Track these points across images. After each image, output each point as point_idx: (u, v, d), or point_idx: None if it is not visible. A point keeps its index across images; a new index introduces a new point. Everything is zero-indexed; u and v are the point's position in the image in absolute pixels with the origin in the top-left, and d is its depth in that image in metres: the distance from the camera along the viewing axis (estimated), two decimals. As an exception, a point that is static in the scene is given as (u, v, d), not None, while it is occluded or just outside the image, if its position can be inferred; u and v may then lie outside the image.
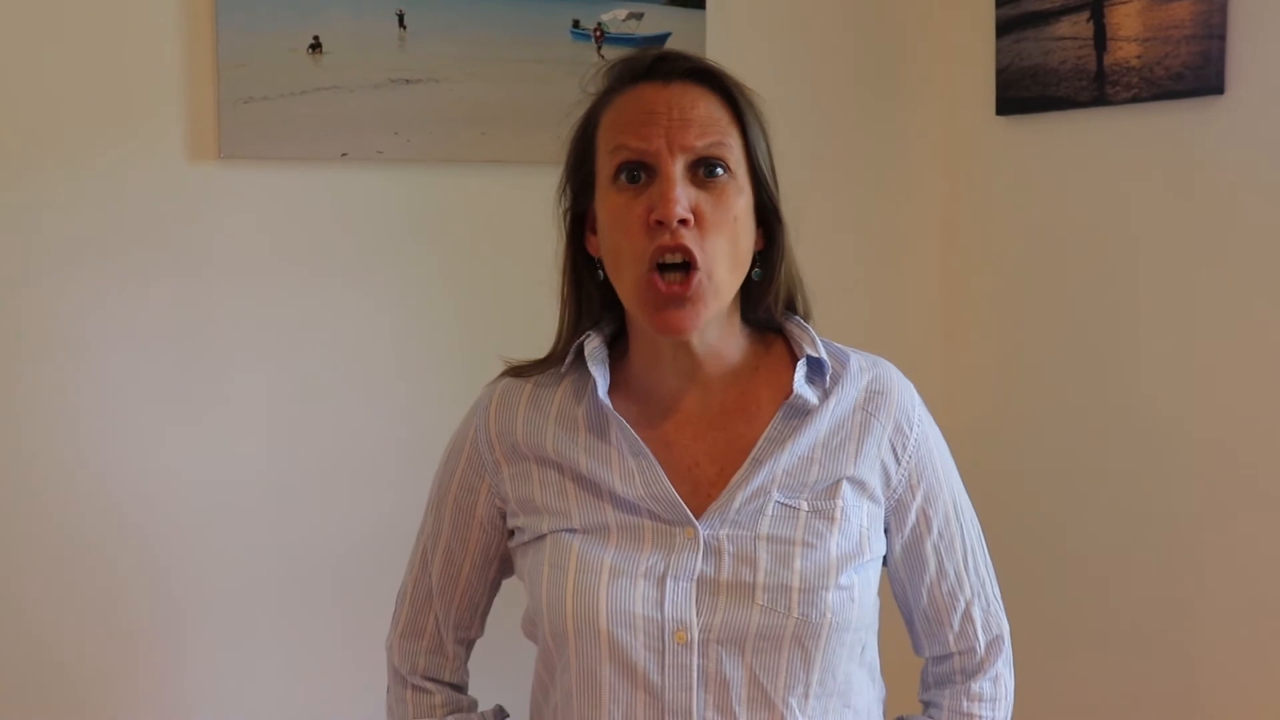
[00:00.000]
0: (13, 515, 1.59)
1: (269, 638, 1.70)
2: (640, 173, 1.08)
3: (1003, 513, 1.96)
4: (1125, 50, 1.70)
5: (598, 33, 1.79)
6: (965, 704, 1.22)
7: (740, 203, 1.10)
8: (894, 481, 1.16)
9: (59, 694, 1.61)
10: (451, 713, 1.24)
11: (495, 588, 1.25)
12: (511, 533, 1.19)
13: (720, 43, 1.85)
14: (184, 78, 1.61)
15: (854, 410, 1.16)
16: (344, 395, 1.72)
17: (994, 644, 1.23)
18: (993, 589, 1.24)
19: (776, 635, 1.08)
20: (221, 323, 1.66)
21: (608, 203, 1.11)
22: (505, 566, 1.23)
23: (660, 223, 1.06)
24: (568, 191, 1.16)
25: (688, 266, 1.07)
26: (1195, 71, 1.61)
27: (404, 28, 1.69)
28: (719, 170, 1.09)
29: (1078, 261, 1.82)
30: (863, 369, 1.18)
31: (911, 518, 1.18)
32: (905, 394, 1.19)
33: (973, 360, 2.01)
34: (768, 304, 1.15)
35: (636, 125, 1.08)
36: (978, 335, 2.00)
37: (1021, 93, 1.86)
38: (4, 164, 1.55)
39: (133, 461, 1.63)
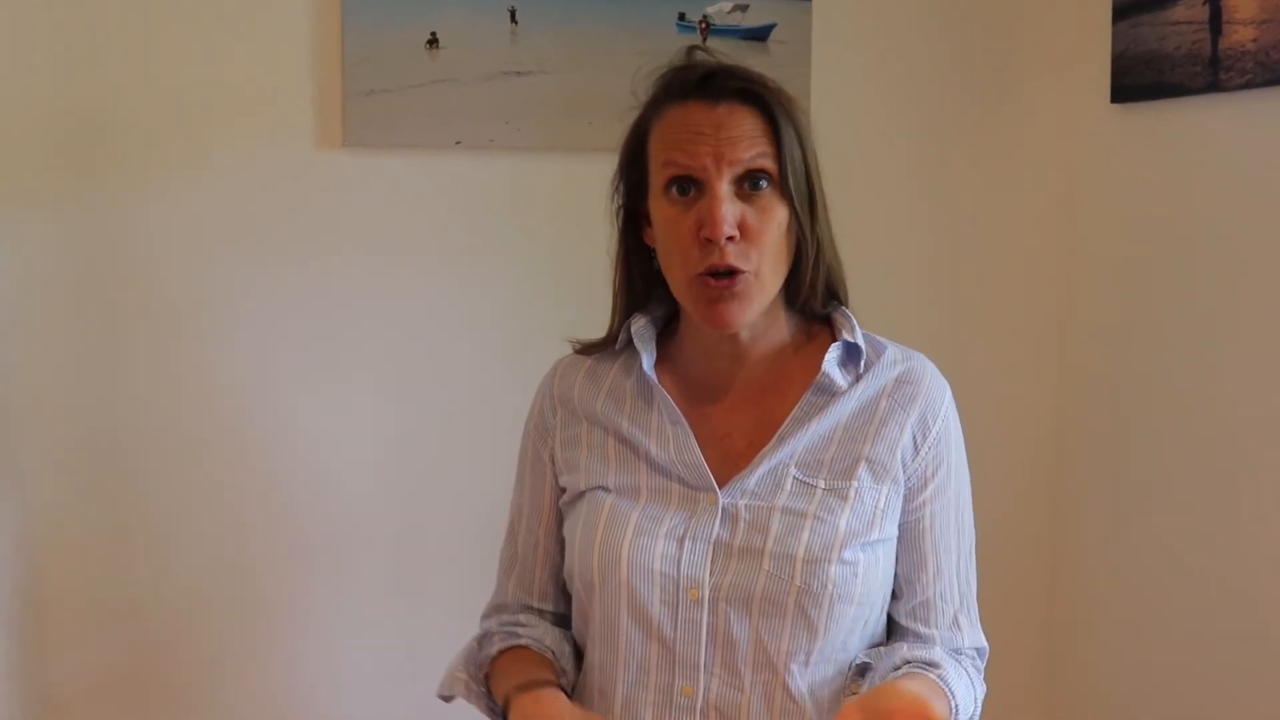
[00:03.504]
0: (167, 467, 1.76)
1: (381, 588, 1.83)
2: (690, 186, 1.16)
3: (1120, 511, 1.92)
4: (1240, 34, 1.65)
5: (703, 25, 1.84)
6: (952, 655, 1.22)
7: (783, 211, 1.17)
8: (909, 470, 1.19)
9: (200, 621, 1.78)
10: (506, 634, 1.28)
11: None
12: (562, 490, 1.27)
13: (826, 32, 1.88)
14: (313, 72, 1.75)
15: (880, 397, 1.20)
16: (456, 368, 1.84)
17: (979, 654, 1.24)
18: (974, 605, 1.25)
19: (780, 600, 1.13)
20: (344, 299, 1.79)
21: (660, 211, 1.18)
22: None
23: (709, 240, 1.13)
24: (621, 190, 1.25)
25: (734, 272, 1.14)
26: (1312, 55, 1.56)
27: (515, 23, 1.78)
28: (763, 183, 1.15)
29: (1195, 252, 1.77)
30: (897, 361, 1.22)
31: (914, 509, 1.20)
32: (936, 389, 1.22)
33: (1088, 353, 1.97)
34: (805, 293, 1.20)
35: (685, 143, 1.16)
36: (1095, 327, 1.96)
37: (1137, 80, 1.82)
38: (153, 154, 1.72)
39: (266, 424, 1.79)
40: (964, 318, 1.98)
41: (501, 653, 1.26)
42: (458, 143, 1.79)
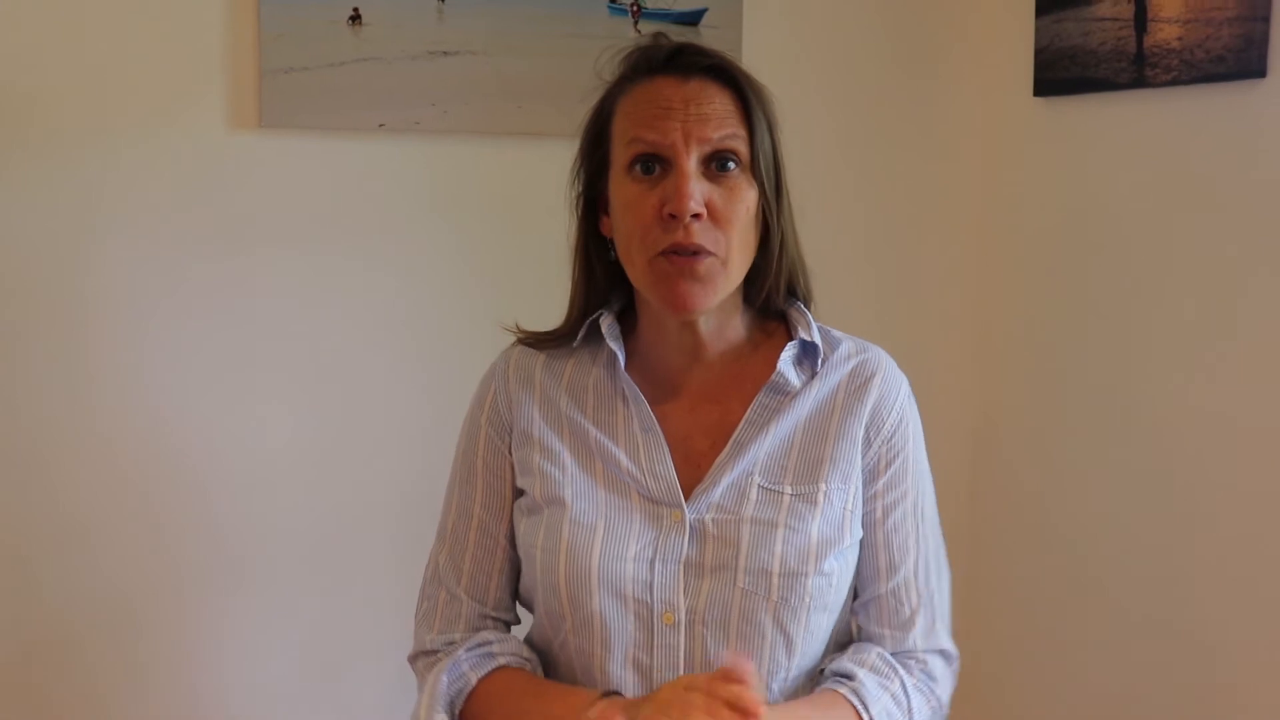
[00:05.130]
0: (76, 466, 1.64)
1: (301, 590, 1.75)
2: (655, 164, 1.11)
3: (1035, 506, 1.96)
4: (1166, 32, 1.69)
5: (634, 8, 1.80)
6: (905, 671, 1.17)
7: (751, 195, 1.13)
8: (865, 463, 1.17)
9: (116, 627, 1.67)
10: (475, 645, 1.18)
11: None
12: (519, 492, 1.20)
13: (756, 19, 1.86)
14: (226, 48, 1.64)
15: (835, 393, 1.17)
16: (376, 362, 1.76)
17: (945, 658, 1.21)
18: (942, 608, 1.20)
19: (757, 620, 1.10)
20: (258, 288, 1.69)
21: (622, 191, 1.13)
22: None
23: (674, 216, 1.08)
24: (581, 175, 1.19)
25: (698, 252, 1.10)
26: (1237, 54, 1.59)
27: (442, 0, 1.71)
28: (731, 164, 1.11)
29: (1114, 246, 1.81)
30: (851, 355, 1.19)
31: (868, 503, 1.17)
32: (891, 381, 1.19)
33: (1006, 346, 2.00)
34: (767, 287, 1.17)
35: (653, 119, 1.11)
36: (1012, 319, 1.99)
37: (1060, 74, 1.85)
38: (53, 134, 1.59)
39: (178, 420, 1.68)
40: (885, 309, 1.98)
41: (482, 680, 1.15)
42: (381, 125, 1.71)
